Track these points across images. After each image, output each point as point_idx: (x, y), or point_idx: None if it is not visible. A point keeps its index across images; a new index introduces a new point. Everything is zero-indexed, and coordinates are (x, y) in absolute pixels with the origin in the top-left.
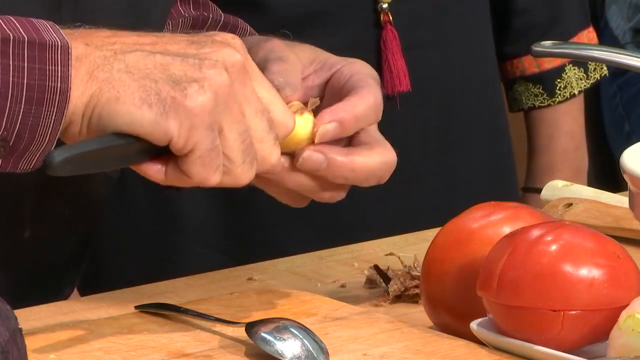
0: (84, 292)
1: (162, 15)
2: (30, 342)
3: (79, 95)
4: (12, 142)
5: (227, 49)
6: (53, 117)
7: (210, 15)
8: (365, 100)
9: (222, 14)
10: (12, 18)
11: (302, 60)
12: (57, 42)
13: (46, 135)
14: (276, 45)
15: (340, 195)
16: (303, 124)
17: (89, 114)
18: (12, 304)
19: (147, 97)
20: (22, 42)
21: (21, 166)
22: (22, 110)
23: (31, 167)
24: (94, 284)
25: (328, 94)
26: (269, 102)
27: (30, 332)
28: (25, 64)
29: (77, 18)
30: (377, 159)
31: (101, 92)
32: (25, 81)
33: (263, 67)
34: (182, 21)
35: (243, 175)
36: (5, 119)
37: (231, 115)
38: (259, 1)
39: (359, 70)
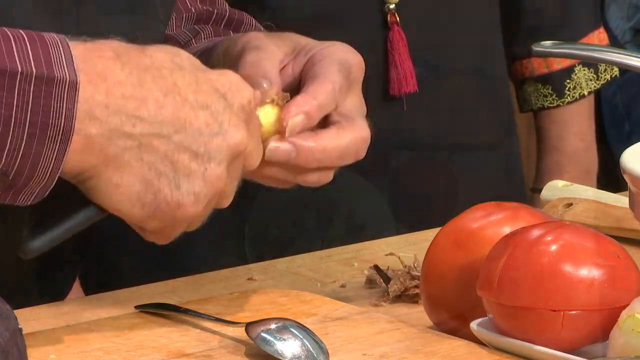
0: (87, 292)
1: (163, 12)
2: (30, 342)
3: (79, 160)
4: (11, 176)
5: (239, 133)
6: (54, 155)
7: (215, 10)
8: (324, 88)
9: (227, 8)
10: (25, 38)
11: (282, 49)
12: (66, 77)
13: (46, 174)
14: (253, 36)
15: (326, 177)
16: (263, 117)
17: (82, 178)
18: (12, 304)
19: (144, 195)
20: (29, 77)
21: (20, 200)
22: (22, 147)
23: (30, 201)
24: (98, 283)
25: (302, 80)
26: (252, 149)
27: (30, 332)
28: (30, 99)
29: (80, 19)
30: (347, 137)
31: (106, 169)
32: (28, 117)
33: (240, 57)
34: (186, 17)
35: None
36: (5, 154)
37: (210, 209)
38: (266, 2)
39: (329, 54)
